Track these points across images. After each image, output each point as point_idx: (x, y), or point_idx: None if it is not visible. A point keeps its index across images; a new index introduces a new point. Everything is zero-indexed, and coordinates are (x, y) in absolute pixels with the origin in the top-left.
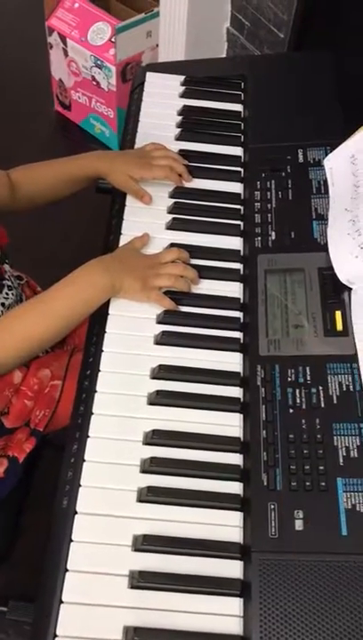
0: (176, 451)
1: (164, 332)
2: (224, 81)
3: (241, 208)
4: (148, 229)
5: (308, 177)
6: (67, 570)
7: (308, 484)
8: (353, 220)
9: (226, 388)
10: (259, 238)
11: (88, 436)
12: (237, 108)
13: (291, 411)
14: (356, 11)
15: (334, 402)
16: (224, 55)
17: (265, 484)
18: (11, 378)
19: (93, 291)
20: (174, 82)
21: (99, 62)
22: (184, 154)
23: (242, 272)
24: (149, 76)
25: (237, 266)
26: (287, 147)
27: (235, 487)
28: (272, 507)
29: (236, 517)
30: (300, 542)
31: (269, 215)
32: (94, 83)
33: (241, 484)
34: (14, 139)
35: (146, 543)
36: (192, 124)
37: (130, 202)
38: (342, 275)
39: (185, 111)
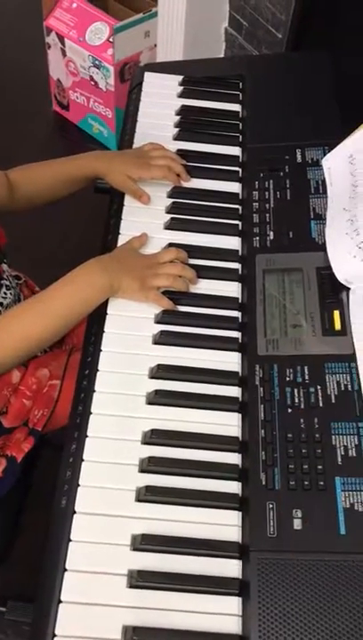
0: (175, 450)
1: (162, 332)
2: (222, 81)
3: (239, 208)
4: (146, 229)
5: (306, 177)
6: (65, 569)
7: (306, 483)
8: (351, 219)
9: (224, 388)
10: (257, 238)
11: (87, 436)
12: (236, 107)
13: (289, 410)
14: (353, 11)
15: (333, 401)
16: (222, 55)
17: (264, 483)
18: (9, 377)
19: (92, 290)
20: (172, 82)
21: (97, 62)
22: (182, 154)
23: (240, 272)
24: (148, 75)
25: (236, 266)
26: (285, 147)
27: (233, 486)
28: (271, 506)
29: (234, 517)
30: (298, 541)
31: (267, 215)
32: (92, 83)
33: (240, 484)
34: (12, 139)
35: (144, 543)
36: (190, 123)
37: (128, 202)
38: (341, 274)
39: (183, 111)
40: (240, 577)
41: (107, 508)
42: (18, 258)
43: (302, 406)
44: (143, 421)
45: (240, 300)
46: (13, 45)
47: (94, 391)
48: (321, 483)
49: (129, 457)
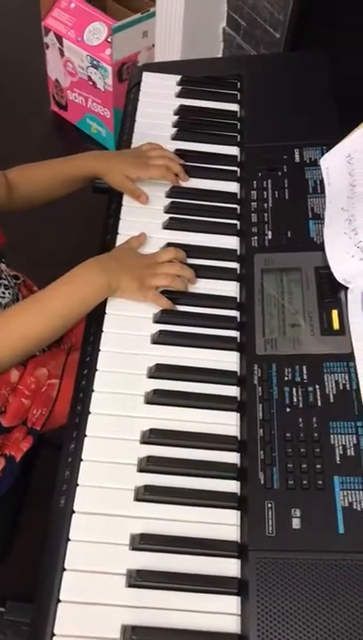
0: (173, 450)
1: (161, 332)
2: (220, 81)
3: (238, 207)
4: (144, 229)
5: (304, 176)
6: (64, 569)
7: (305, 482)
8: (350, 219)
9: (223, 387)
10: (255, 238)
11: (85, 435)
12: (234, 107)
13: (288, 409)
14: (351, 11)
15: (331, 400)
16: (220, 55)
17: (262, 482)
18: (8, 376)
19: (90, 290)
20: (171, 82)
21: (95, 62)
22: (181, 153)
23: (239, 271)
24: (146, 75)
25: (234, 265)
26: (284, 146)
27: (232, 486)
28: (269, 505)
29: (233, 516)
30: (297, 541)
31: (265, 214)
32: (90, 83)
33: (238, 483)
34: (10, 139)
35: (143, 542)
36: (189, 123)
37: (127, 201)
38: (339, 274)
39: (181, 111)
40: (239, 576)
41: (105, 508)
42: (16, 257)
43: (301, 406)
44: (142, 421)
45: (239, 300)
46: (11, 45)
47: (93, 391)
48: (320, 482)
49: (128, 456)
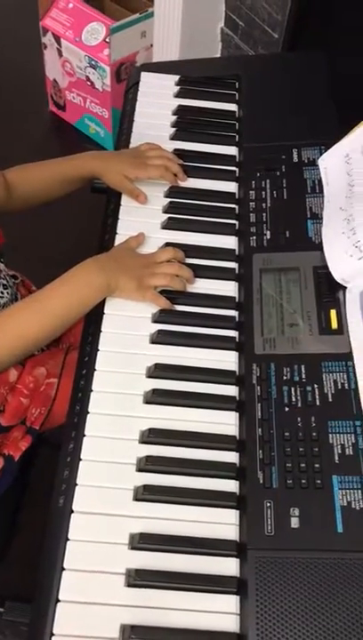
0: (172, 449)
1: (159, 331)
2: (219, 81)
3: (236, 207)
4: (143, 229)
5: (302, 176)
6: (63, 568)
7: (304, 481)
8: (348, 218)
9: (222, 387)
10: (254, 237)
11: (84, 435)
12: (232, 107)
13: (286, 409)
14: (349, 11)
15: (330, 400)
16: (218, 55)
17: (261, 481)
18: (6, 376)
19: (89, 290)
20: (169, 82)
21: (93, 62)
22: (179, 153)
23: (237, 271)
24: (144, 75)
25: (233, 265)
26: (282, 146)
27: (231, 485)
28: (268, 504)
29: (232, 515)
30: (296, 540)
31: (263, 214)
32: (89, 83)
33: (237, 482)
34: (8, 139)
35: (142, 541)
36: (187, 123)
37: (125, 201)
38: (337, 273)
39: (180, 111)
40: (238, 575)
41: (104, 508)
42: (15, 257)
43: (300, 405)
44: (141, 420)
45: (237, 300)
46: (9, 45)
47: (92, 390)
48: (318, 481)
49: (127, 456)
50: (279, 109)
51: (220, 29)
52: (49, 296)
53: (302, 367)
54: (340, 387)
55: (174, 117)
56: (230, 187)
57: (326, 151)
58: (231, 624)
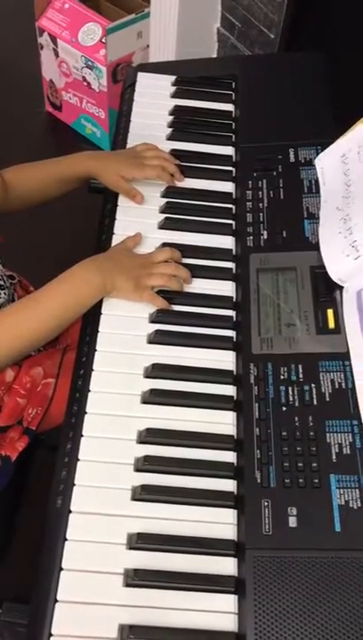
0: (170, 449)
1: (157, 331)
2: (215, 81)
3: (233, 207)
4: (140, 229)
5: (299, 176)
6: (61, 569)
7: (301, 480)
8: (344, 218)
9: (219, 387)
10: (251, 237)
11: (82, 435)
12: (229, 107)
13: (284, 408)
14: (346, 11)
15: (327, 399)
16: (215, 55)
17: (259, 481)
18: (3, 376)
19: (86, 290)
20: (165, 82)
21: (89, 63)
22: (176, 154)
23: (234, 271)
24: (141, 76)
25: (230, 265)
26: (279, 146)
27: (229, 485)
28: (266, 504)
29: (230, 515)
30: (294, 539)
31: (260, 214)
32: (85, 83)
33: (235, 482)
34: (5, 139)
35: (140, 541)
36: (184, 123)
37: (122, 201)
38: (334, 273)
39: (176, 111)
40: (236, 575)
41: (102, 508)
42: (12, 257)
43: (297, 404)
44: (138, 420)
45: (234, 299)
46: (5, 46)
47: (89, 391)
48: (316, 480)
49: (124, 456)
50: (276, 109)
51: (216, 29)
52: (46, 296)
53: (300, 367)
54: (337, 386)
55: (171, 118)
56: (227, 187)
57: (322, 151)
58: (230, 623)
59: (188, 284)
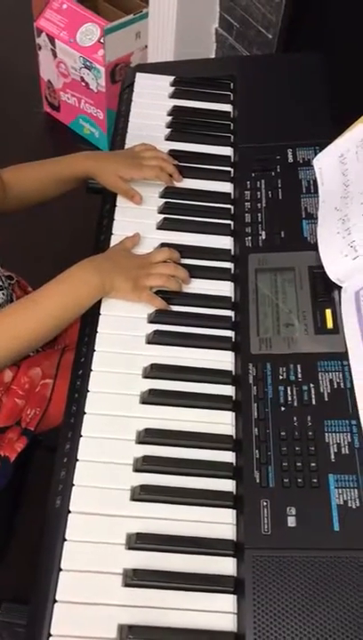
0: (169, 449)
1: (156, 332)
2: (214, 81)
3: (231, 208)
4: (138, 229)
5: (297, 177)
6: (60, 569)
7: (300, 480)
8: (343, 218)
9: (218, 387)
10: (249, 238)
11: (81, 436)
12: (227, 108)
13: (283, 408)
14: (344, 11)
15: (326, 399)
16: (213, 56)
17: (258, 481)
18: (1, 377)
19: (85, 290)
20: (164, 82)
21: (88, 63)
22: (174, 154)
23: (233, 271)
24: (139, 76)
25: (228, 265)
26: (277, 147)
27: (228, 485)
28: (265, 504)
29: (229, 515)
30: (293, 538)
31: (259, 215)
32: (83, 84)
33: (234, 482)
34: (3, 140)
35: (139, 541)
36: (182, 124)
37: (120, 202)
38: (332, 273)
39: (175, 111)
40: (235, 574)
41: (101, 508)
42: (10, 258)
43: (296, 404)
44: (137, 421)
45: (233, 300)
46: (3, 46)
47: (88, 391)
48: (315, 480)
49: (123, 456)
50: (274, 110)
51: (214, 30)
52: (45, 296)
53: (298, 367)
54: (336, 386)
55: (169, 118)
56: (226, 187)
57: (320, 151)
58: (229, 623)
59: (186, 285)
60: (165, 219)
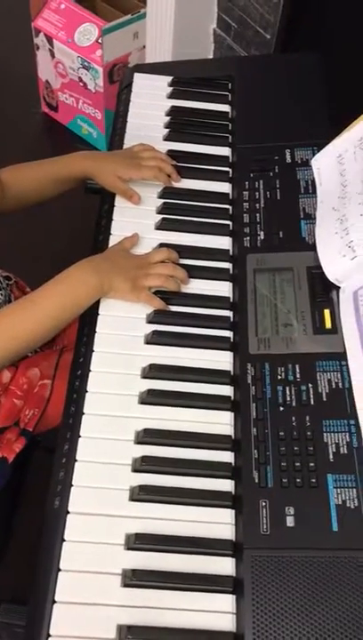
0: (168, 449)
1: (154, 332)
2: (212, 82)
3: (230, 208)
4: (137, 229)
5: (296, 177)
6: (59, 569)
7: (298, 480)
8: (341, 219)
9: (217, 387)
10: (248, 238)
11: (79, 436)
12: (225, 108)
13: (281, 408)
14: (342, 11)
15: (324, 399)
16: (211, 56)
17: (256, 481)
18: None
19: (83, 291)
20: (162, 83)
21: (86, 63)
22: (172, 154)
23: (231, 271)
24: (137, 77)
25: (227, 265)
26: (275, 147)
27: (226, 485)
28: (264, 504)
29: (228, 515)
30: (291, 538)
31: (257, 215)
32: (81, 84)
33: (232, 482)
34: (1, 140)
35: (138, 542)
36: (180, 124)
37: (119, 202)
38: (331, 273)
39: (173, 112)
40: (234, 574)
41: (100, 508)
42: (8, 258)
43: (294, 404)
44: (136, 421)
45: (231, 300)
46: (1, 46)
47: (87, 391)
48: (313, 480)
49: (122, 457)
50: (272, 110)
51: (212, 30)
52: (43, 297)
53: (297, 367)
54: (334, 386)
55: (168, 118)
56: (224, 187)
57: (318, 151)
58: (228, 623)
59: (185, 285)
60: (163, 219)
